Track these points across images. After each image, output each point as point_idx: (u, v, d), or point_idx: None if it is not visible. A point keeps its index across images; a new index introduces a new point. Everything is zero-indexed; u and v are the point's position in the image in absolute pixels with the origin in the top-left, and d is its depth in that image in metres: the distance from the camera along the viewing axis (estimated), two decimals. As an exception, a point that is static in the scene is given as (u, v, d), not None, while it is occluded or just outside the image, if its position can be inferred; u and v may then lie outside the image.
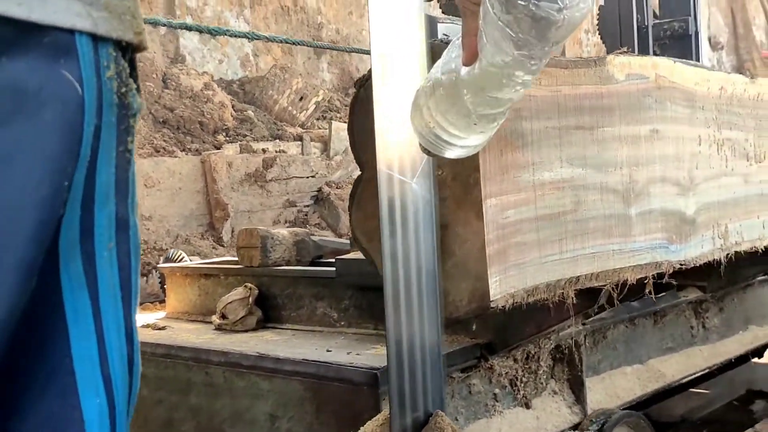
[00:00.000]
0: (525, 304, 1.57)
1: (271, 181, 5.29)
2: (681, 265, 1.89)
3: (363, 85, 1.51)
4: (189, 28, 4.57)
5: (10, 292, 0.61)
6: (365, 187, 1.53)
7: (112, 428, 0.71)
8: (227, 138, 5.66)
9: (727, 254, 2.09)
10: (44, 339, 0.67)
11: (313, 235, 2.76)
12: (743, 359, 3.43)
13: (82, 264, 0.69)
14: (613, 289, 1.65)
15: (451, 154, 1.21)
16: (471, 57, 1.04)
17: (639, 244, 1.74)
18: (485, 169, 1.38)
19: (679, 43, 3.14)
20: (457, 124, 1.13)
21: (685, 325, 2.97)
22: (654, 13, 3.49)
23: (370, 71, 1.48)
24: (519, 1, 0.90)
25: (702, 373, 3.10)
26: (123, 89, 0.70)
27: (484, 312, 1.42)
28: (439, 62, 1.16)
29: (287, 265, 2.55)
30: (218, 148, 5.41)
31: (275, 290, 2.49)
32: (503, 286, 1.42)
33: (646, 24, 3.33)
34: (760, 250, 2.25)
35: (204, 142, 5.50)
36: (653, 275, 1.79)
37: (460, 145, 1.18)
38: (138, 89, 0.73)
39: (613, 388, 2.54)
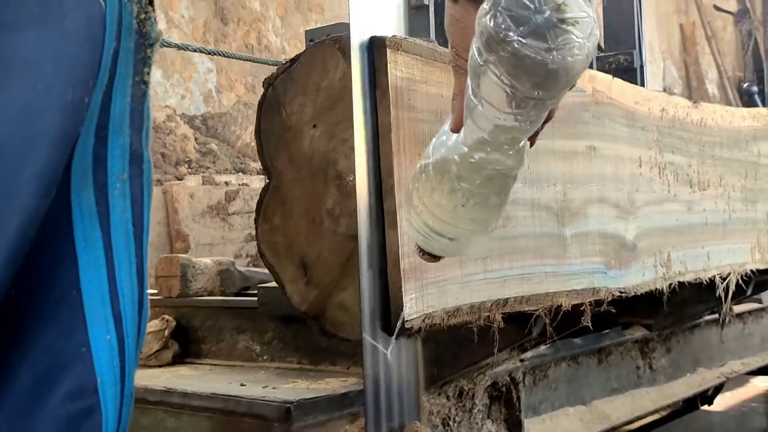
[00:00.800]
0: (462, 333, 1.43)
1: (234, 214, 5.14)
2: (621, 293, 1.77)
3: (272, 84, 1.37)
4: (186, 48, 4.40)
5: (30, 201, 0.59)
6: (273, 196, 1.38)
7: (121, 368, 0.68)
8: (190, 170, 5.52)
9: (671, 284, 1.97)
10: (52, 267, 0.65)
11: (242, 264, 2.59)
12: (692, 403, 3.31)
13: (94, 194, 0.67)
14: (545, 314, 1.51)
15: (445, 250, 1.08)
16: (460, 121, 0.95)
17: (575, 267, 1.61)
18: (401, 175, 1.25)
19: (624, 76, 3.08)
20: (444, 206, 1.00)
21: (631, 365, 2.84)
22: (599, 45, 3.46)
23: (279, 68, 1.35)
24: (503, 36, 0.80)
25: (650, 418, 2.98)
26: (142, 15, 0.70)
27: (400, 334, 1.27)
28: (434, 139, 1.05)
29: (209, 295, 2.38)
30: (180, 180, 5.27)
31: (195, 322, 2.31)
32: (420, 305, 1.27)
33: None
34: (704, 282, 2.14)
35: (166, 173, 5.34)
36: (590, 302, 1.66)
37: (450, 236, 1.04)
38: (155, 20, 0.72)
39: (554, 430, 2.39)
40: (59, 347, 0.65)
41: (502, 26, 0.81)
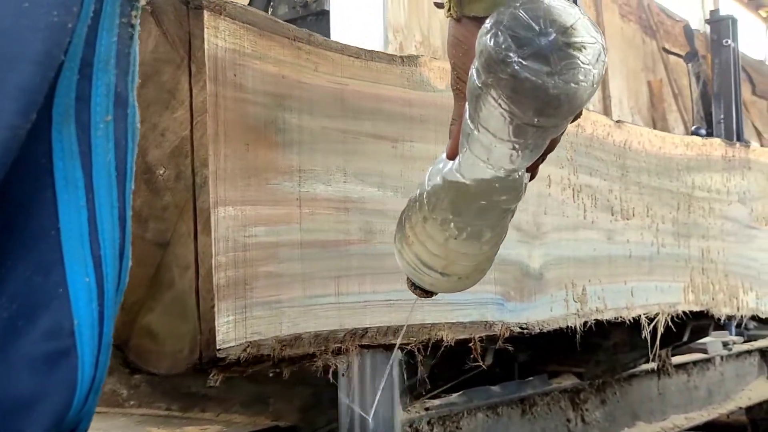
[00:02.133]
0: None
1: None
2: (522, 329, 1.52)
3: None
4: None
5: (11, 119, 0.58)
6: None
7: (100, 312, 0.66)
8: None
9: (586, 322, 1.73)
10: (30, 203, 0.64)
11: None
12: (630, 460, 3.05)
13: (76, 133, 0.67)
14: (419, 350, 1.26)
15: (436, 285, 1.00)
16: (456, 147, 0.90)
17: (462, 295, 1.36)
18: (218, 166, 1.00)
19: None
20: (436, 238, 0.94)
21: (561, 417, 2.58)
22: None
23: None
24: (503, 57, 0.75)
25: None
26: None
27: (212, 365, 1.01)
28: (431, 166, 0.98)
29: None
30: None
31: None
32: (241, 331, 1.01)
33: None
34: (628, 321, 1.90)
35: None
36: (481, 338, 1.42)
37: (441, 270, 0.97)
38: None
39: (466, 489, 2.12)
40: (36, 284, 0.64)
41: (503, 46, 0.76)
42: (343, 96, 1.18)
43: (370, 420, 1.23)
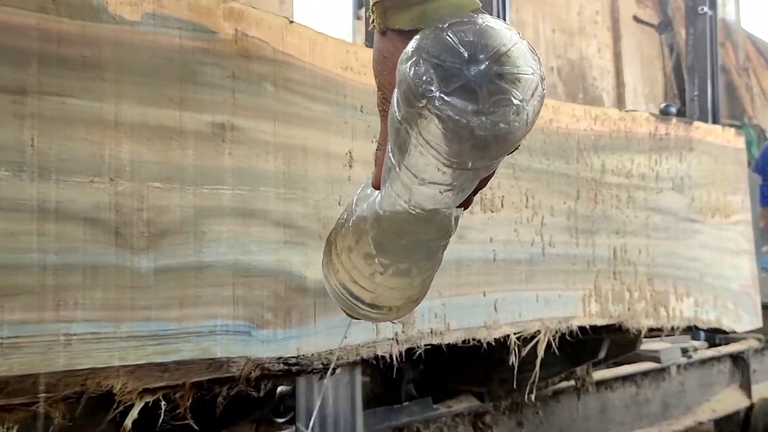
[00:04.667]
0: None
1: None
2: (286, 365, 1.09)
3: None
4: None
5: None
6: None
7: None
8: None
9: (410, 349, 1.30)
10: None
11: None
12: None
13: None
14: (59, 409, 0.84)
15: (369, 317, 0.92)
16: (380, 178, 0.80)
17: (159, 324, 0.94)
18: None
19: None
20: (361, 270, 0.86)
21: (457, 445, 2.17)
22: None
23: None
24: (423, 90, 0.65)
25: None
26: None
27: None
28: (359, 189, 0.89)
29: None
30: None
31: None
32: None
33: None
34: (484, 345, 1.47)
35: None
36: (200, 384, 0.99)
37: (369, 301, 0.88)
38: None
39: None
40: None
41: (424, 78, 0.66)
42: None
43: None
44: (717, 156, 2.35)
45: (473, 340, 1.42)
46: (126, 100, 0.92)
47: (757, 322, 2.56)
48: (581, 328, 1.79)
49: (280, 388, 2.02)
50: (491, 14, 2.23)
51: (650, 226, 2.00)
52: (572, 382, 2.28)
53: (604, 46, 9.95)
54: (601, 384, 2.83)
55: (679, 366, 3.28)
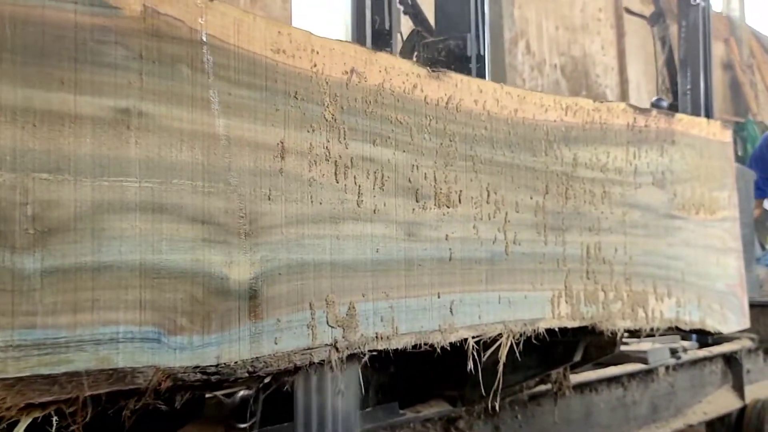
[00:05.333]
0: None
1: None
2: (204, 374, 0.99)
3: None
4: None
5: None
6: None
7: None
8: None
9: (353, 354, 1.21)
10: None
11: None
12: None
13: None
14: None
15: None
16: None
17: (43, 332, 0.84)
18: None
19: (456, 65, 2.35)
20: None
21: (428, 452, 2.07)
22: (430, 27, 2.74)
23: None
24: None
25: None
26: None
27: None
28: None
29: None
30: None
31: None
32: None
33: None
34: (438, 350, 1.37)
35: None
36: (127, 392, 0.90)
37: None
38: None
39: None
40: None
41: None
42: None
43: None
44: (702, 150, 2.25)
45: (425, 345, 1.32)
46: (5, 81, 0.82)
47: (745, 323, 2.46)
48: (555, 331, 1.69)
49: (241, 393, 1.91)
50: (469, 8, 2.10)
51: (628, 222, 1.90)
52: (549, 386, 2.18)
53: (607, 43, 9.83)
54: (585, 386, 2.73)
55: (668, 367, 3.18)
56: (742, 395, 3.67)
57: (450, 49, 2.45)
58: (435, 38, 2.52)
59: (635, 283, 1.90)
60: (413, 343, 1.29)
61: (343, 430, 1.43)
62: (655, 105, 3.71)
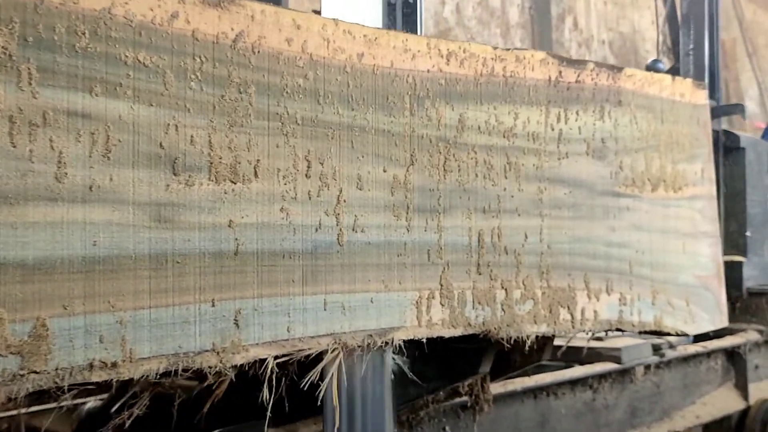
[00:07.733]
0: None
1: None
2: None
3: None
4: None
5: None
6: None
7: None
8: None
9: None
10: None
11: None
12: None
13: None
14: None
15: None
16: None
17: None
18: None
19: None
20: None
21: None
22: None
23: None
24: None
25: None
26: None
27: None
28: None
29: None
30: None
31: None
32: None
33: None
34: (210, 378, 1.00)
35: None
36: None
37: None
38: None
39: None
40: None
41: None
42: None
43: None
44: (663, 113, 1.83)
45: (187, 372, 0.96)
46: None
47: (721, 321, 2.04)
48: (458, 338, 1.32)
49: (89, 404, 1.61)
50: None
51: (546, 202, 1.50)
52: (465, 398, 1.80)
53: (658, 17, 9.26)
54: (539, 390, 2.34)
55: (649, 366, 2.77)
56: (745, 395, 3.24)
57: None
58: None
59: (556, 277, 1.51)
60: (164, 370, 0.93)
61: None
62: (651, 67, 3.27)
